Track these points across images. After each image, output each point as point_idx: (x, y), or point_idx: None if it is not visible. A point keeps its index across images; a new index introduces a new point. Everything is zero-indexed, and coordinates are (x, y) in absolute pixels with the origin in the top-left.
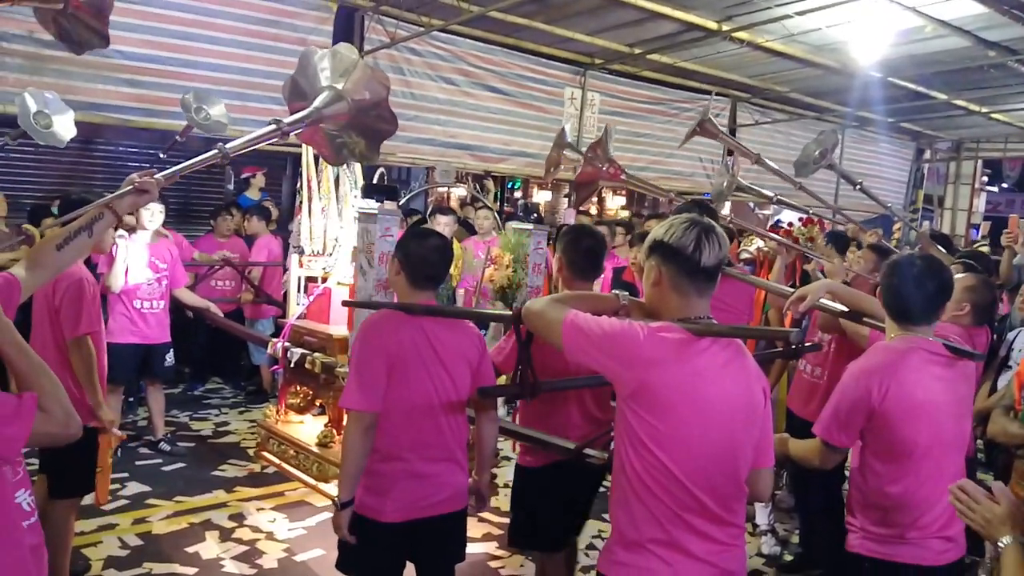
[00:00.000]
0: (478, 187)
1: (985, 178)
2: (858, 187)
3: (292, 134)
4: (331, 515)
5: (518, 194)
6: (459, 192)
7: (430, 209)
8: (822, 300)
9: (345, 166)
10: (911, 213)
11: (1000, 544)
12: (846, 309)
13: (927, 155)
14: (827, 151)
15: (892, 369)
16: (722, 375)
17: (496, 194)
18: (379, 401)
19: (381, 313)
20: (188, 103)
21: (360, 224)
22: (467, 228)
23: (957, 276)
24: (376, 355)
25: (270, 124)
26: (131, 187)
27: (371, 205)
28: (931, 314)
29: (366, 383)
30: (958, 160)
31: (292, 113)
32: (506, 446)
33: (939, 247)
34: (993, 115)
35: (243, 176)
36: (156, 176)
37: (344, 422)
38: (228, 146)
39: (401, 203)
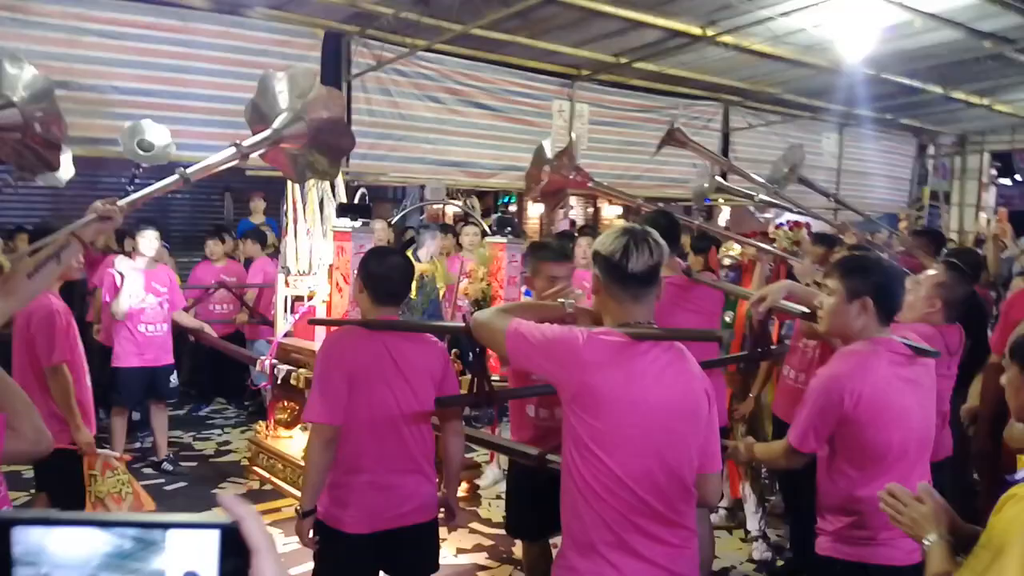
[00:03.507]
0: (470, 203)
1: (994, 171)
2: (833, 198)
3: (256, 156)
4: None
5: (512, 208)
6: (454, 209)
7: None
8: (781, 302)
9: (329, 188)
10: (916, 211)
11: (926, 543)
12: (806, 310)
13: (931, 150)
14: (796, 165)
15: (861, 374)
16: (662, 378)
17: (490, 209)
18: (340, 414)
19: (343, 329)
20: (126, 135)
21: (335, 243)
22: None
23: (929, 272)
24: (336, 369)
25: (230, 147)
26: (95, 215)
27: (345, 224)
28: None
29: (327, 397)
30: (963, 154)
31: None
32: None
33: (925, 246)
34: (995, 107)
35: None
36: (119, 203)
37: None
38: (189, 170)
39: (394, 221)
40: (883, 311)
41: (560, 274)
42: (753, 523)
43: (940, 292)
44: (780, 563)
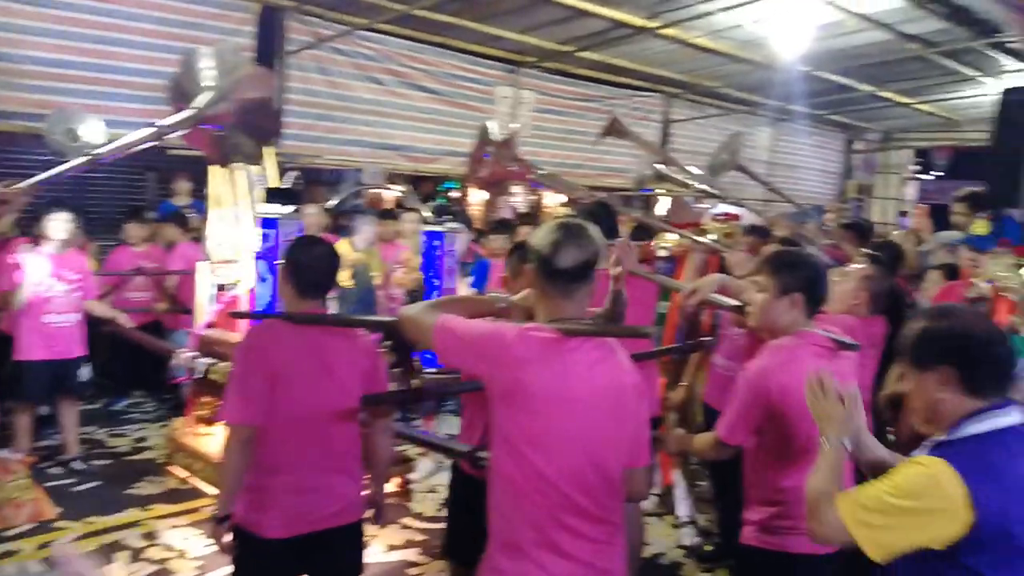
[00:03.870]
0: (407, 189)
1: (915, 167)
2: (768, 188)
3: (177, 136)
4: None
5: (455, 194)
6: (394, 194)
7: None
8: (712, 295)
9: (261, 171)
10: (842, 204)
11: (825, 442)
12: (737, 303)
13: (857, 146)
14: (735, 152)
15: (788, 367)
16: (591, 373)
17: (430, 195)
18: (259, 414)
19: (265, 323)
20: (54, 124)
21: (261, 230)
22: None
23: (856, 265)
24: (257, 366)
25: (147, 126)
26: None
27: (273, 209)
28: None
29: (246, 396)
30: (887, 150)
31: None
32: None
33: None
34: (917, 106)
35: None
36: (18, 186)
37: None
38: (99, 151)
39: (332, 206)
40: (811, 305)
41: None
42: (682, 509)
43: (866, 284)
44: (708, 548)
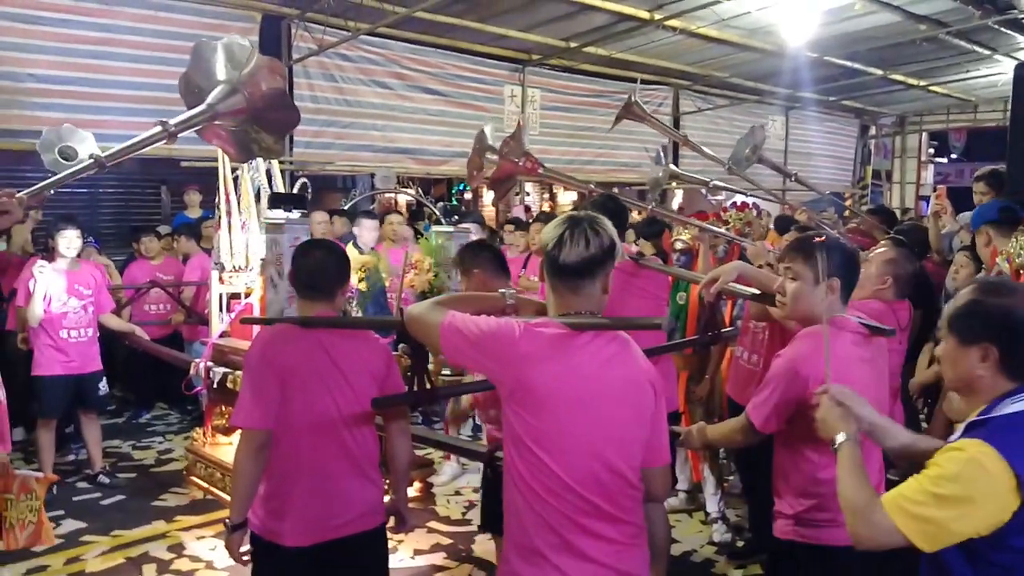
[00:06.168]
0: (421, 191)
1: (932, 150)
2: (793, 178)
3: (192, 145)
4: None
5: (468, 196)
6: (406, 198)
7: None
8: (731, 284)
9: (266, 178)
10: (860, 189)
11: (835, 443)
12: (756, 292)
13: (872, 131)
14: (758, 146)
15: (823, 354)
16: (604, 370)
17: (443, 197)
18: (271, 418)
19: (275, 327)
20: (51, 142)
21: (268, 235)
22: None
23: (879, 250)
24: (268, 369)
25: (156, 126)
26: None
27: (279, 215)
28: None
29: (257, 399)
30: (903, 134)
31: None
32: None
33: (881, 223)
34: (931, 87)
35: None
36: (19, 195)
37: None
38: (106, 153)
39: (346, 209)
40: (846, 291)
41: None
42: (712, 505)
43: (890, 268)
44: (740, 544)
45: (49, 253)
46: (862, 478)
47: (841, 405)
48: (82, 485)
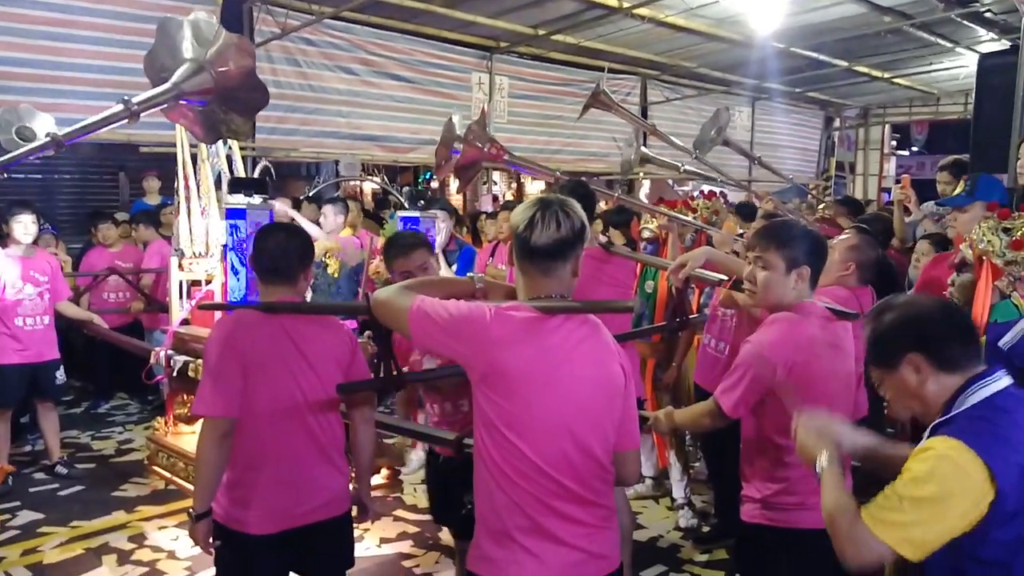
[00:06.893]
0: (387, 179)
1: (894, 143)
2: (756, 161)
3: (154, 118)
4: None
5: (434, 184)
6: (372, 186)
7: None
8: (699, 270)
9: (226, 163)
10: (824, 181)
11: (818, 468)
12: (723, 278)
13: (836, 123)
14: (722, 128)
15: (794, 342)
16: (575, 354)
17: (410, 185)
18: (235, 406)
19: (237, 313)
20: (8, 122)
21: (228, 221)
22: (377, 220)
23: (841, 236)
24: (229, 356)
25: (118, 104)
26: None
27: (239, 200)
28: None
29: (220, 388)
30: (866, 126)
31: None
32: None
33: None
34: (895, 80)
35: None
36: None
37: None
38: (64, 131)
39: (310, 196)
40: (815, 277)
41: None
42: (679, 491)
43: (853, 255)
44: (706, 529)
45: (2, 239)
46: (842, 495)
47: (817, 429)
48: (39, 476)
